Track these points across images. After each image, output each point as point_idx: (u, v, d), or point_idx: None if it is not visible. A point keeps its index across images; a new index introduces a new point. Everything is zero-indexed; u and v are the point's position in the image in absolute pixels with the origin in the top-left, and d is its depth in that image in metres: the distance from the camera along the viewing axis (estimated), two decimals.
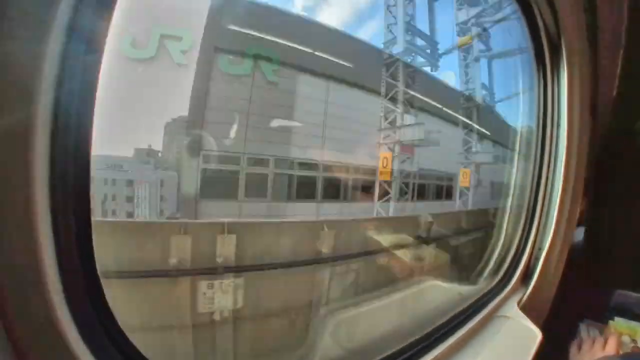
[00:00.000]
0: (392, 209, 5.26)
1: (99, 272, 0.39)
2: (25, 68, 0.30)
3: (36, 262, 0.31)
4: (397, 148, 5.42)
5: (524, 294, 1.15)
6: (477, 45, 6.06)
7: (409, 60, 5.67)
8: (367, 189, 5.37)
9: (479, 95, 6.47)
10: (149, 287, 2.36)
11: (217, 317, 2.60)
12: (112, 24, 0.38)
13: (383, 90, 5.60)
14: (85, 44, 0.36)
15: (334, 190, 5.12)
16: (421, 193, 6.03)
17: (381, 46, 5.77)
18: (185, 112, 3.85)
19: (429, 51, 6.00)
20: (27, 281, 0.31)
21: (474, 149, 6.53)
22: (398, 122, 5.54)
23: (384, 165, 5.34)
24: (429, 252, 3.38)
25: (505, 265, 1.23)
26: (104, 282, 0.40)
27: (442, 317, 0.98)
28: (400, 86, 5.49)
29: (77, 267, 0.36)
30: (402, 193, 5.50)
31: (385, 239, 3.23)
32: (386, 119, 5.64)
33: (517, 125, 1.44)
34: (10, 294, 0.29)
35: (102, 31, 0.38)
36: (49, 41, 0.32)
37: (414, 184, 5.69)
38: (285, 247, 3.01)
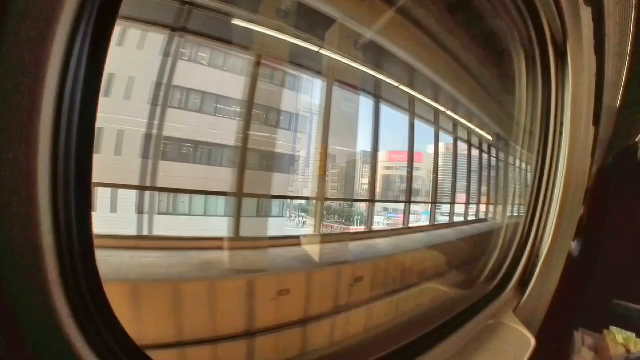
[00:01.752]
0: None
1: (98, 268, 0.40)
2: (29, 67, 0.31)
3: (37, 260, 0.31)
4: None
5: (520, 301, 1.15)
6: None
7: None
8: None
9: None
10: None
11: None
12: (116, 23, 0.39)
13: None
14: (88, 43, 0.36)
15: None
16: None
17: None
18: None
19: None
20: (28, 279, 0.31)
21: None
22: None
23: None
24: None
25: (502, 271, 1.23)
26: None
27: (437, 320, 0.99)
28: None
29: (78, 265, 0.36)
30: None
31: None
32: None
33: None
34: (10, 291, 0.30)
35: (106, 30, 0.38)
36: (53, 39, 0.32)
37: None
38: None
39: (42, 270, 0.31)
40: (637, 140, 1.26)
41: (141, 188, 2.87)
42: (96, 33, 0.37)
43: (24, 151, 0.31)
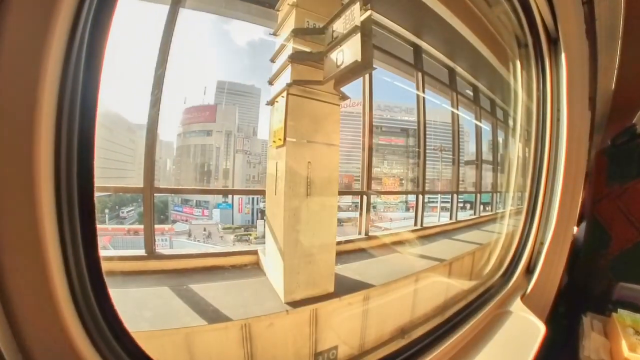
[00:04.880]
0: None
1: (103, 271, 0.39)
2: (29, 69, 0.30)
3: (42, 262, 0.31)
4: None
5: (527, 288, 1.15)
6: None
7: None
8: None
9: None
10: None
11: None
12: (112, 24, 0.38)
13: None
14: (86, 45, 0.36)
15: None
16: None
17: None
18: None
19: None
20: (33, 281, 0.31)
21: None
22: None
23: None
24: None
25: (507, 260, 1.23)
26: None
27: (448, 312, 0.98)
28: None
29: (83, 267, 0.36)
30: None
31: None
32: None
33: None
34: (16, 294, 0.29)
35: (103, 32, 0.38)
36: (52, 41, 0.32)
37: None
38: None
39: (46, 270, 0.31)
40: (633, 121, 1.27)
41: None
42: (94, 38, 0.37)
43: (27, 151, 0.30)
